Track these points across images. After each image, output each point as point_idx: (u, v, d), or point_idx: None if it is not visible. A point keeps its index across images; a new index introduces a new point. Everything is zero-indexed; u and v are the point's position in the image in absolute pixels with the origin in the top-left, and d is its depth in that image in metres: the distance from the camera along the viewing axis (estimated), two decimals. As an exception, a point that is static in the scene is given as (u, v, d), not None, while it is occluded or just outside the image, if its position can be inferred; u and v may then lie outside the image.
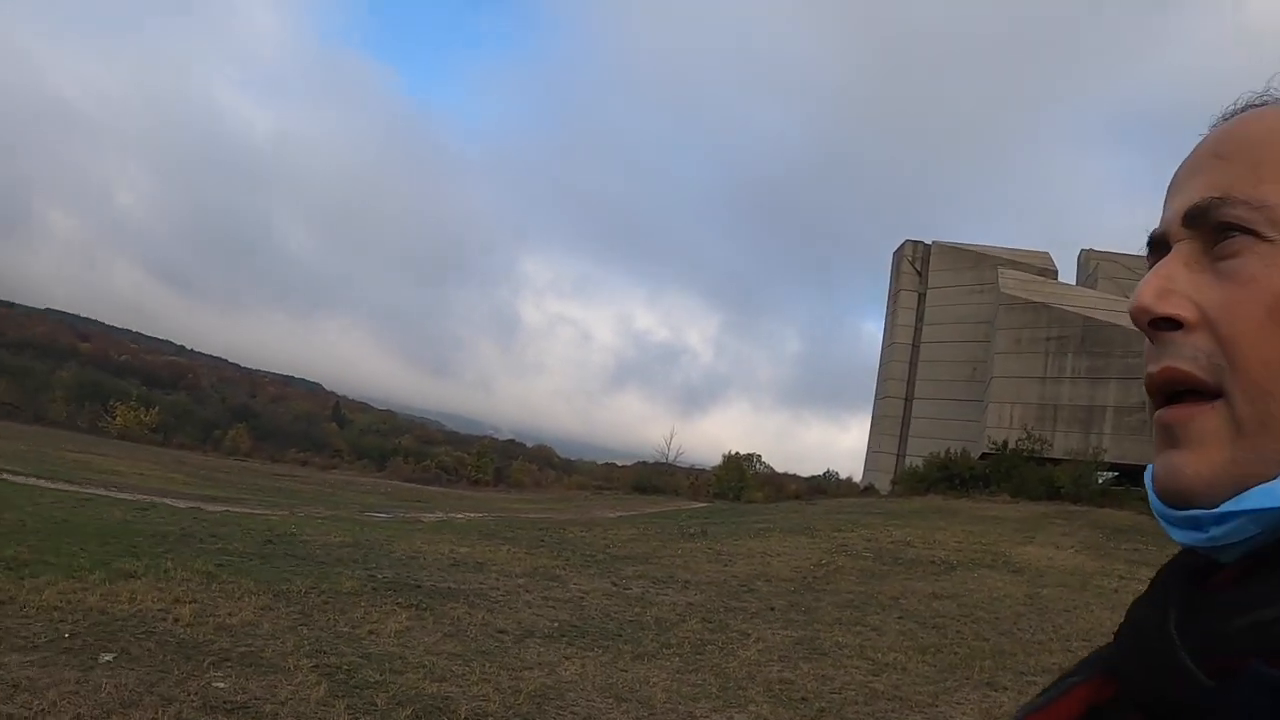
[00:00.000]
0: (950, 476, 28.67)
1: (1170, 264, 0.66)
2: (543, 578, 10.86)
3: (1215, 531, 0.62)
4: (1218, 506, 0.62)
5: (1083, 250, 42.66)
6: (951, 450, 30.70)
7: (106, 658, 5.78)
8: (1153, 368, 0.66)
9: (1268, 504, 0.59)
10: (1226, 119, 0.71)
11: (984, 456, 30.10)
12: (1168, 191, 0.71)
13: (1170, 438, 0.65)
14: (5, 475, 15.22)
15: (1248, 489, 0.61)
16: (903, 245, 42.16)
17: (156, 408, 49.91)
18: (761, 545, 15.16)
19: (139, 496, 15.91)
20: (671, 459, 42.02)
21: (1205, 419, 0.63)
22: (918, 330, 40.26)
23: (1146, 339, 0.67)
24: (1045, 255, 40.83)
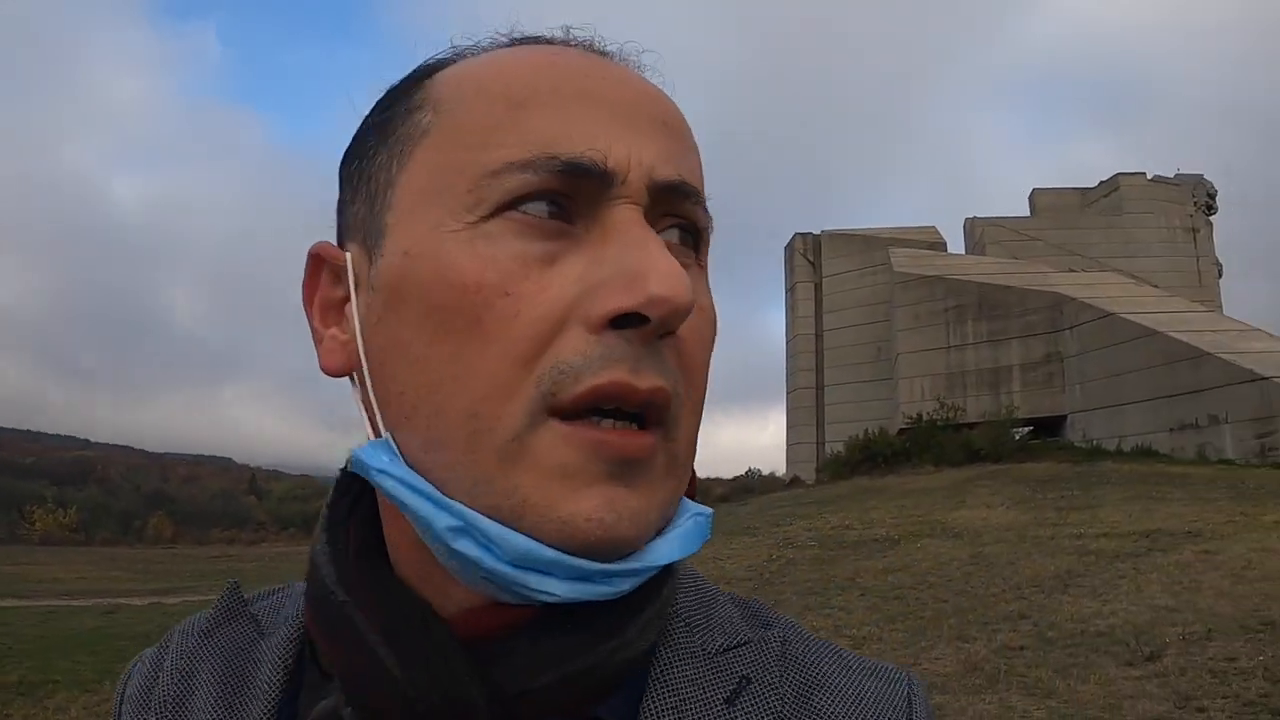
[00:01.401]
0: (872, 456, 29.61)
1: (664, 246, 0.52)
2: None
3: (618, 587, 0.52)
4: (625, 560, 0.52)
5: (967, 219, 44.21)
6: (869, 431, 31.74)
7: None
8: (641, 381, 0.50)
9: (668, 558, 0.53)
10: (607, 56, 0.59)
11: (902, 432, 31.10)
12: (551, 99, 0.53)
13: (624, 473, 0.51)
14: (-48, 601, 15.18)
15: (652, 539, 0.54)
16: (792, 239, 43.39)
17: (73, 507, 49.44)
18: (710, 552, 15.68)
19: (96, 601, 16.12)
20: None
21: (658, 454, 0.53)
22: (819, 319, 41.35)
23: (608, 342, 0.50)
24: (932, 230, 42.29)
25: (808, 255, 42.54)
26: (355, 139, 0.60)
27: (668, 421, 0.52)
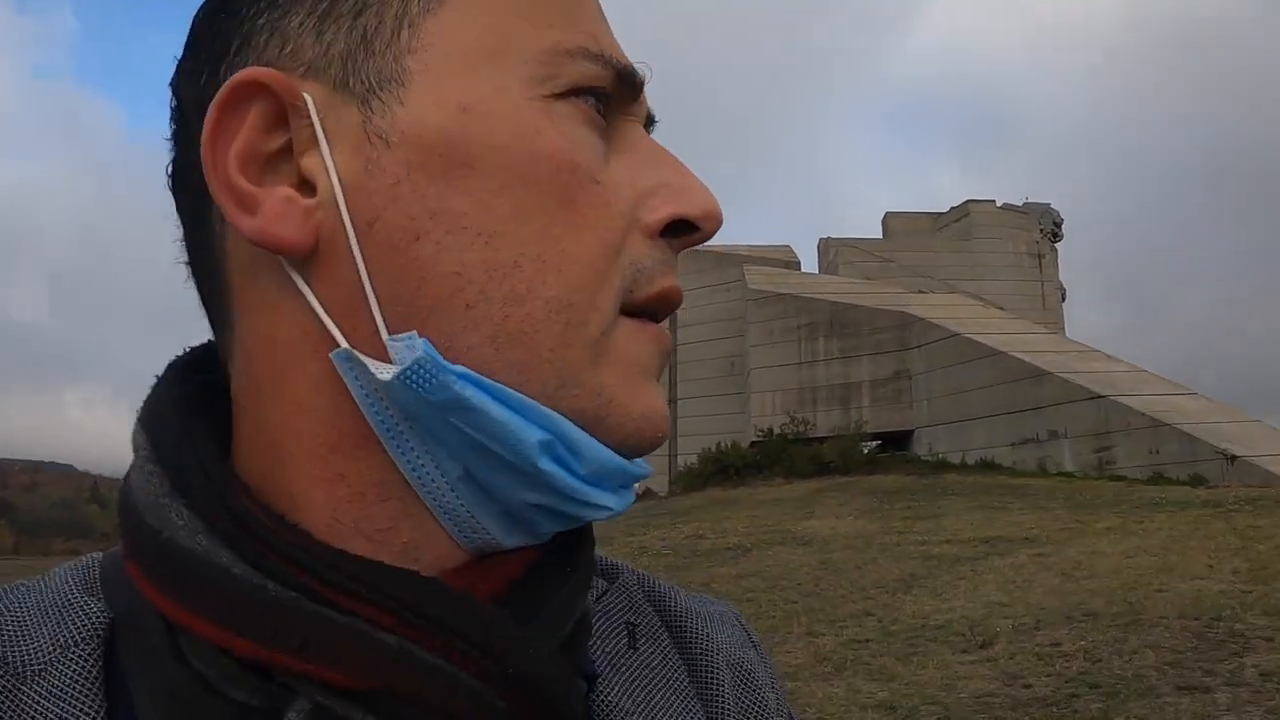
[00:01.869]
0: (724, 469, 30.48)
1: None
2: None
3: (629, 500, 0.50)
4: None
5: (822, 239, 45.81)
6: (722, 444, 32.59)
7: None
8: (677, 283, 0.50)
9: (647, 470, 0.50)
10: None
11: (753, 445, 32.20)
12: None
13: (656, 371, 0.50)
14: None
15: None
16: (648, 254, 44.07)
17: (-93, 514, 47.68)
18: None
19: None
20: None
21: None
22: (673, 334, 41.57)
23: (661, 248, 0.49)
24: (787, 249, 43.75)
25: (661, 270, 43.39)
26: None
27: None
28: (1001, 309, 40.89)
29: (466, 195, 0.44)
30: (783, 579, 11.81)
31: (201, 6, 0.49)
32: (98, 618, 0.47)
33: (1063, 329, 47.62)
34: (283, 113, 0.45)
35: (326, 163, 0.44)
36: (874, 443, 33.70)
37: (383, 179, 0.44)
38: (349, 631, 0.41)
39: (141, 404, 0.50)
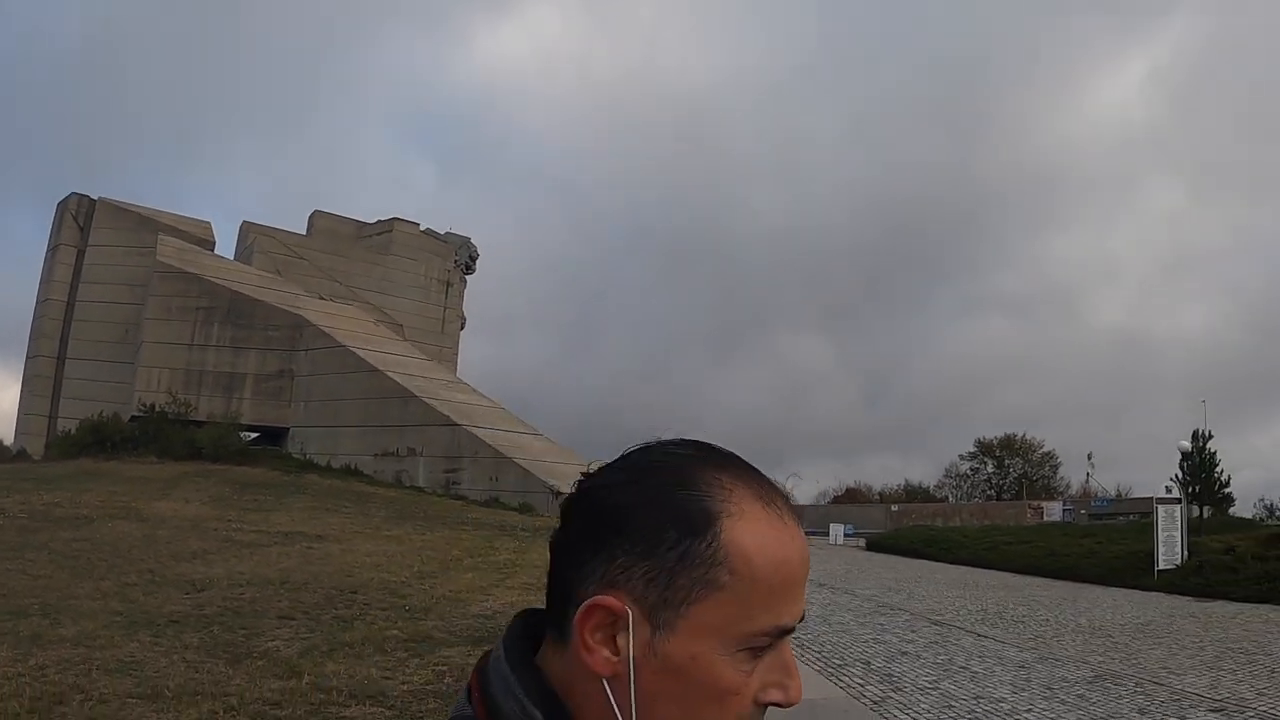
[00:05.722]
0: (102, 440, 33.28)
1: (796, 663, 1.01)
2: None
3: None
4: None
5: (244, 223, 48.73)
6: (104, 413, 35.49)
7: None
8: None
9: None
10: (794, 514, 1.05)
11: (134, 419, 35.34)
12: (792, 588, 1.00)
13: None
14: None
15: None
16: (69, 198, 44.82)
17: None
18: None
19: None
20: None
21: None
22: (74, 288, 43.41)
23: (760, 711, 0.99)
24: (207, 225, 46.22)
25: (79, 219, 44.50)
26: (653, 536, 0.98)
27: None
28: (401, 327, 46.92)
29: (677, 688, 0.97)
30: (107, 546, 16.67)
31: (588, 516, 1.04)
32: None
33: (456, 352, 54.54)
34: (614, 615, 0.97)
35: (630, 646, 0.96)
36: (252, 434, 38.09)
37: (646, 664, 0.97)
38: None
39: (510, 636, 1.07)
